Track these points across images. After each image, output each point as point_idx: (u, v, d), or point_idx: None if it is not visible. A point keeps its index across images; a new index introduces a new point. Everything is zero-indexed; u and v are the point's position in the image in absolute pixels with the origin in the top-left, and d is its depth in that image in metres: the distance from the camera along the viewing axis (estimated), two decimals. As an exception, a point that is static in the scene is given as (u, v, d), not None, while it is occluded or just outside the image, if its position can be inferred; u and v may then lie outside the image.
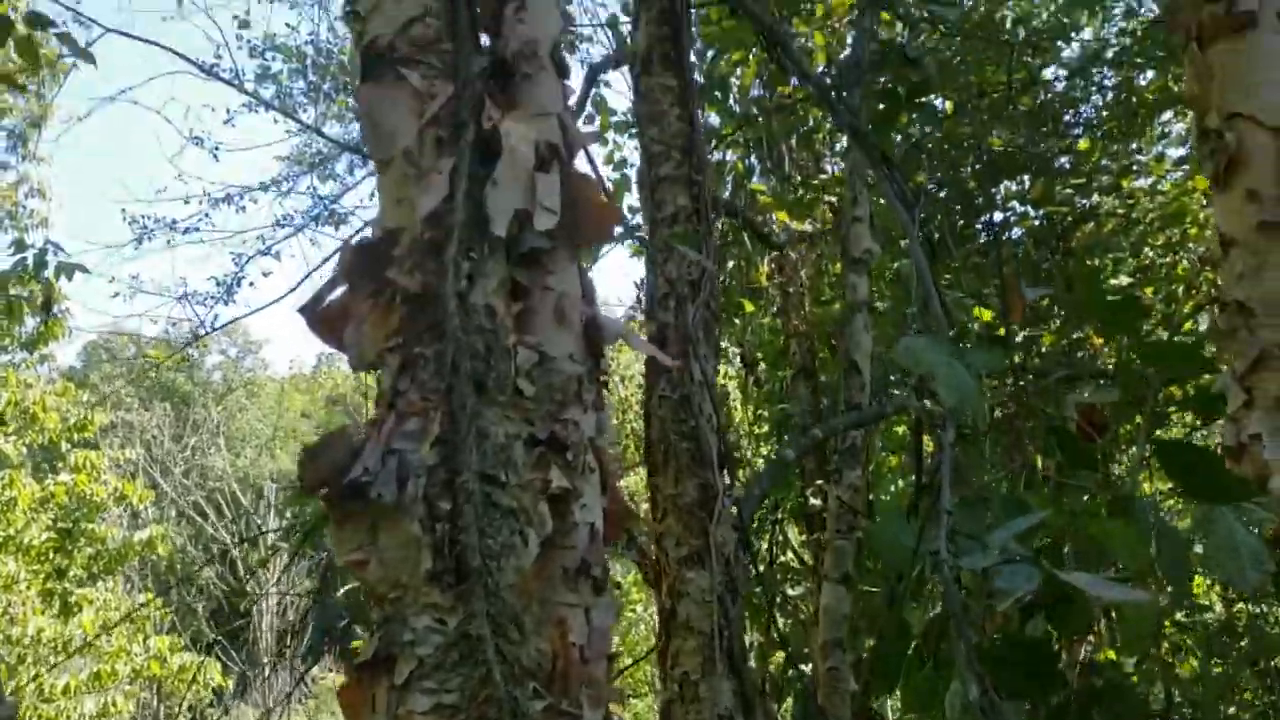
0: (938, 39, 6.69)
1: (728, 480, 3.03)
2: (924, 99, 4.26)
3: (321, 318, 1.52)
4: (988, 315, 5.71)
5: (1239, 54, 1.65)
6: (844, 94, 4.26)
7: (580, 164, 1.63)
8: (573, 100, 1.83)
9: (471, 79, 1.55)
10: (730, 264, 7.33)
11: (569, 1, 9.49)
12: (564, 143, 1.60)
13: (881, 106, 3.97)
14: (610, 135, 7.19)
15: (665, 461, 3.02)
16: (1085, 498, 2.38)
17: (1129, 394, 2.21)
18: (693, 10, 3.67)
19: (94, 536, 10.30)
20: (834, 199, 7.20)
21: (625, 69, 4.45)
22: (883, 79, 4.41)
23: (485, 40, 1.63)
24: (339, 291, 1.51)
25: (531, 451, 1.42)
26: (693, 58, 3.91)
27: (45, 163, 12.74)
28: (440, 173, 1.49)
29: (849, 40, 6.54)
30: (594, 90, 6.05)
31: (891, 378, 6.41)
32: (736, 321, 7.39)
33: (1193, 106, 1.74)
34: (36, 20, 3.84)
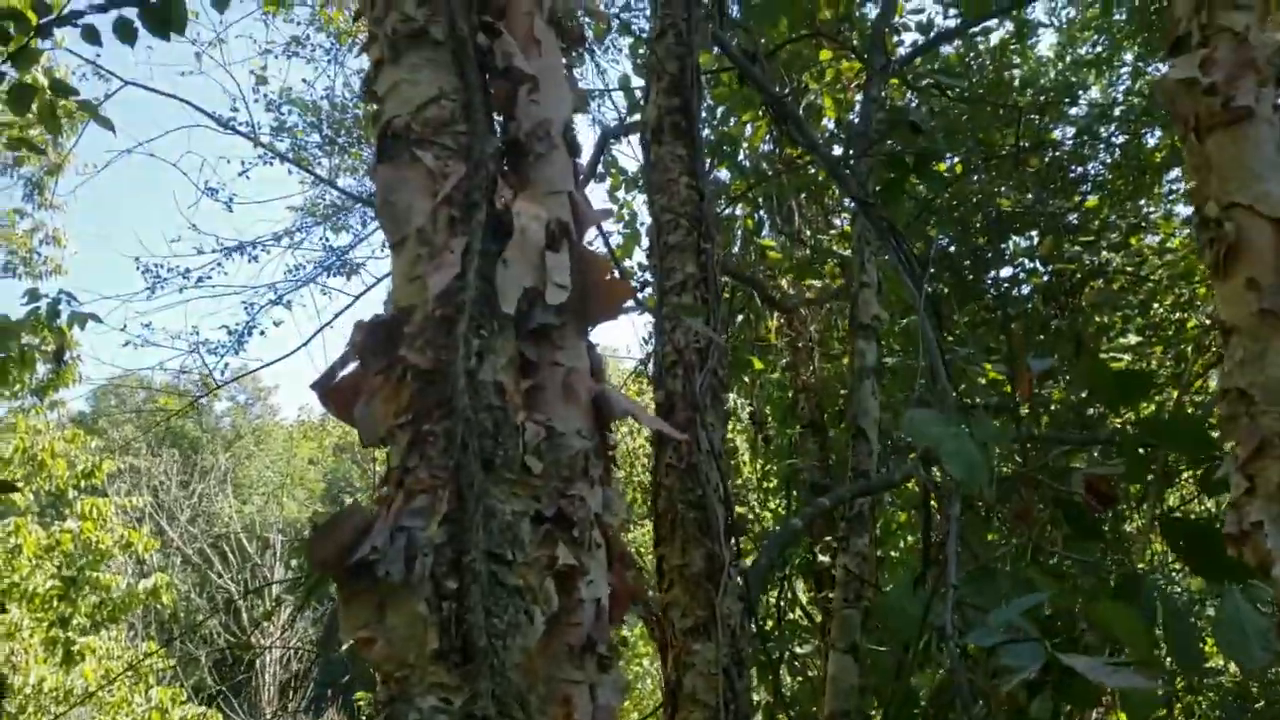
0: (946, 103, 6.75)
1: (735, 550, 3.01)
2: (931, 165, 4.29)
3: (333, 393, 1.54)
4: (994, 374, 5.70)
5: (1236, 145, 1.68)
6: (852, 162, 4.29)
7: (591, 238, 1.65)
8: (584, 160, 1.86)
9: (484, 159, 1.57)
10: (739, 318, 7.35)
11: (581, 76, 9.61)
12: (574, 220, 1.62)
13: (889, 175, 4.00)
14: (620, 193, 7.25)
15: (672, 531, 3.01)
16: (1094, 569, 2.38)
17: (1135, 467, 2.21)
18: (703, 76, 3.72)
19: (99, 584, 10.26)
20: (845, 252, 7.22)
21: (636, 136, 4.51)
22: (891, 142, 4.45)
23: (499, 120, 1.66)
24: (351, 368, 1.53)
25: (538, 529, 1.42)
26: (704, 113, 3.95)
27: (61, 210, 12.91)
28: (452, 251, 1.51)
29: (857, 101, 6.62)
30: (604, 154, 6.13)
31: (899, 436, 6.39)
32: (745, 379, 7.38)
33: (1193, 196, 1.77)
34: (60, 88, 3.95)
